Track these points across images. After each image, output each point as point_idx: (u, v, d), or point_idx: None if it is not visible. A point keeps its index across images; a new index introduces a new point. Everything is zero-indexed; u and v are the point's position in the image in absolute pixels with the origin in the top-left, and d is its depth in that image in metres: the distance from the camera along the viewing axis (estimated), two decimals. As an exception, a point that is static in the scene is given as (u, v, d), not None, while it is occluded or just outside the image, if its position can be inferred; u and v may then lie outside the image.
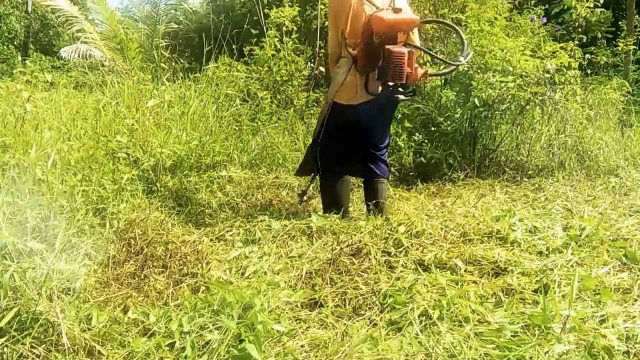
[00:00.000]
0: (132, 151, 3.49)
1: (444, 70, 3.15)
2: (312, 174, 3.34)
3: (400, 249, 2.39)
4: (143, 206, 3.04)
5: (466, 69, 4.58)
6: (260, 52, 5.56)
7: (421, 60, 4.67)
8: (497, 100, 4.49)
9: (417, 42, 2.92)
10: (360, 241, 2.45)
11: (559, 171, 4.54)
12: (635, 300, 1.90)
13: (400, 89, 2.70)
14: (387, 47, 2.61)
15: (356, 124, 2.91)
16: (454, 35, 5.11)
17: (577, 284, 1.89)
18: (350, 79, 2.80)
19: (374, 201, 2.98)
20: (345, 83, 2.81)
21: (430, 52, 3.23)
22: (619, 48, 7.06)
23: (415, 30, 2.91)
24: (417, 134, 4.68)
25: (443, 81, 4.95)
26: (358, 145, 3.01)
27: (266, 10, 5.72)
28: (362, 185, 3.23)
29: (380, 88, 2.77)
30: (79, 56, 8.68)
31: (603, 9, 6.94)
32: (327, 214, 2.92)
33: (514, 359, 1.55)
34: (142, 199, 3.13)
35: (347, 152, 3.00)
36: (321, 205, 3.22)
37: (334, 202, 2.99)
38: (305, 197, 3.51)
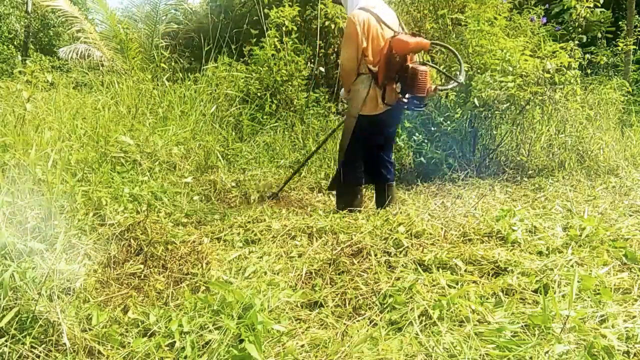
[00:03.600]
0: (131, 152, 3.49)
1: (449, 86, 3.62)
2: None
3: (400, 249, 2.39)
4: (143, 208, 3.03)
5: (466, 69, 4.58)
6: (260, 52, 5.56)
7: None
8: (497, 100, 4.49)
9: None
10: (360, 241, 2.45)
11: (559, 171, 4.54)
12: (635, 300, 1.90)
13: (416, 102, 3.03)
14: (412, 66, 2.93)
15: (378, 131, 3.23)
16: (454, 36, 5.15)
17: (577, 284, 1.89)
18: (372, 92, 3.10)
19: (387, 204, 3.26)
20: (368, 97, 3.10)
21: (442, 71, 3.69)
22: (619, 48, 7.06)
23: None
24: (417, 133, 4.68)
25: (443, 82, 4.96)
26: (375, 152, 3.30)
27: (266, 10, 5.72)
28: (374, 189, 3.48)
29: (394, 99, 3.08)
30: (77, 55, 8.67)
31: (603, 9, 6.94)
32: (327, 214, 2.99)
33: (514, 359, 1.55)
34: (142, 201, 3.13)
35: (367, 161, 3.30)
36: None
37: (350, 206, 3.19)
38: (275, 197, 3.74)
